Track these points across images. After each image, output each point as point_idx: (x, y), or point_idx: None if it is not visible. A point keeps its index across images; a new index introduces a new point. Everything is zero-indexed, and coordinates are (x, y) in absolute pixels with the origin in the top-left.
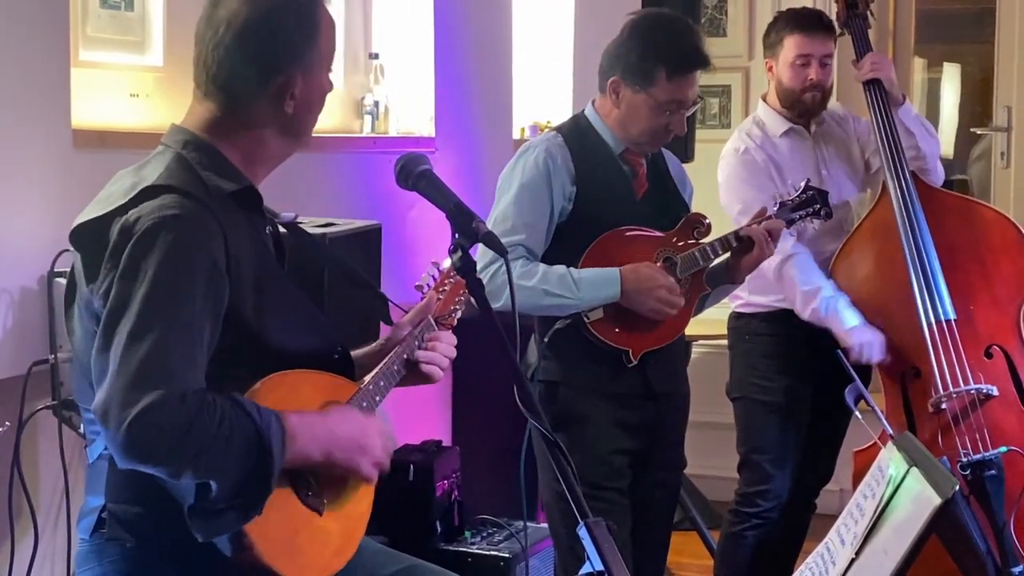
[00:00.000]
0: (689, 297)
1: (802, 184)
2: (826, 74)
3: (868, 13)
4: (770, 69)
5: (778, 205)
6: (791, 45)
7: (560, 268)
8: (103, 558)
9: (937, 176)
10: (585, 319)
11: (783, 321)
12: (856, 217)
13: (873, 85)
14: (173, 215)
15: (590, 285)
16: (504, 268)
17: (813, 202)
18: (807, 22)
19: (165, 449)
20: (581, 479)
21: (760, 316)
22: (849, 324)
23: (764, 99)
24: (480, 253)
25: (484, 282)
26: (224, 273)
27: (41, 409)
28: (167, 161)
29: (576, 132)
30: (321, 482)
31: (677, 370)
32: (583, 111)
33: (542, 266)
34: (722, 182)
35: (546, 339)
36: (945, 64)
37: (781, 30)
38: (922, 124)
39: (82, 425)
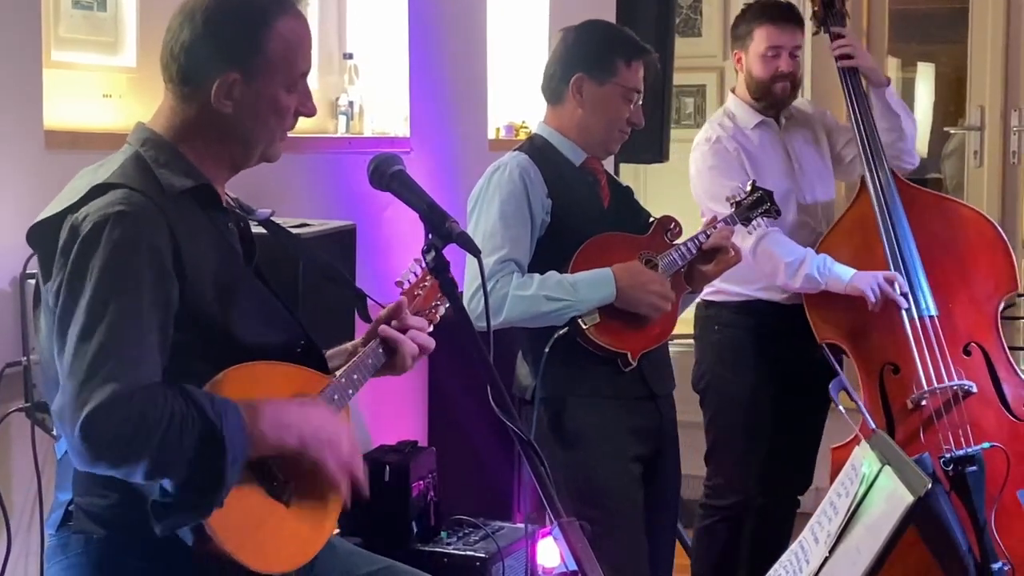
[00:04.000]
0: (674, 296)
1: (749, 184)
2: (795, 65)
3: (844, 12)
4: (739, 61)
5: (734, 205)
6: (761, 36)
7: (553, 274)
8: (69, 551)
9: (913, 159)
10: (582, 325)
11: (755, 313)
12: (830, 212)
13: (850, 74)
14: (118, 211)
15: (587, 286)
16: (499, 284)
17: (763, 202)
18: (778, 13)
19: (115, 449)
20: (607, 492)
21: (731, 306)
22: (847, 276)
23: (734, 92)
24: (470, 275)
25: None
26: (171, 269)
27: (14, 411)
28: (123, 159)
29: (536, 150)
30: (288, 473)
31: (668, 370)
32: (535, 132)
33: (536, 275)
34: (694, 173)
35: (547, 349)
36: (919, 64)
37: (751, 21)
38: (903, 107)
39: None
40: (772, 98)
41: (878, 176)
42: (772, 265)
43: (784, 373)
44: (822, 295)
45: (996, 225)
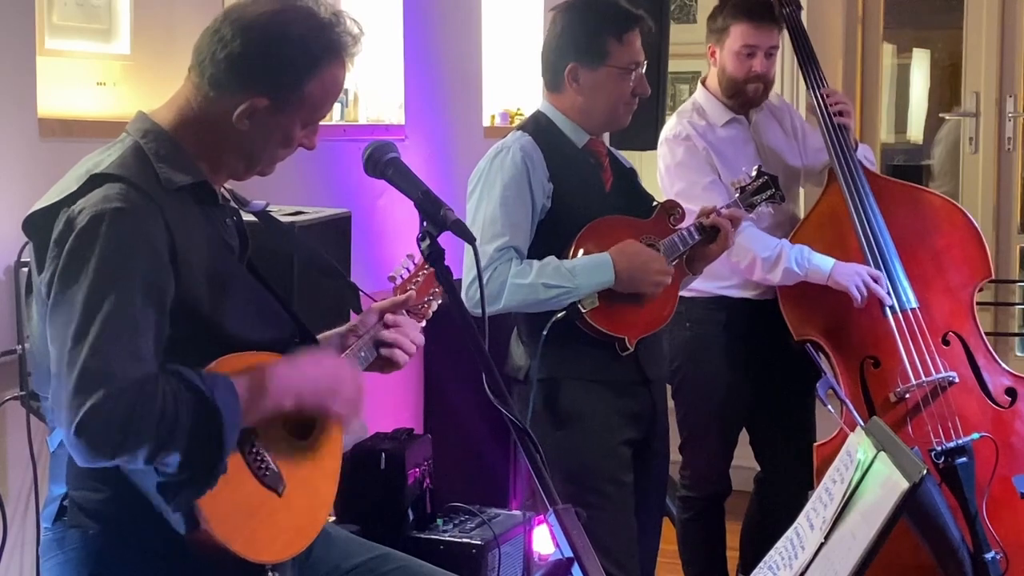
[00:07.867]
0: (675, 281)
1: (755, 170)
2: (769, 66)
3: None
4: (712, 54)
5: (738, 191)
6: (738, 34)
7: (552, 260)
8: (65, 546)
9: None
10: (581, 309)
11: (726, 308)
12: (798, 208)
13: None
14: (115, 208)
15: (584, 272)
16: (498, 272)
17: (768, 187)
18: (756, 12)
19: (113, 442)
20: (596, 474)
21: (703, 302)
22: (828, 267)
23: (704, 84)
24: (468, 263)
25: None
26: (168, 265)
27: (9, 399)
28: (123, 150)
29: (539, 130)
30: (280, 462)
31: (662, 356)
32: (538, 110)
33: (535, 262)
34: (662, 168)
35: (544, 332)
36: (914, 50)
37: (728, 17)
38: (865, 155)
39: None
40: (743, 98)
41: (848, 169)
42: (748, 260)
43: (758, 368)
44: (797, 291)
45: (967, 212)
